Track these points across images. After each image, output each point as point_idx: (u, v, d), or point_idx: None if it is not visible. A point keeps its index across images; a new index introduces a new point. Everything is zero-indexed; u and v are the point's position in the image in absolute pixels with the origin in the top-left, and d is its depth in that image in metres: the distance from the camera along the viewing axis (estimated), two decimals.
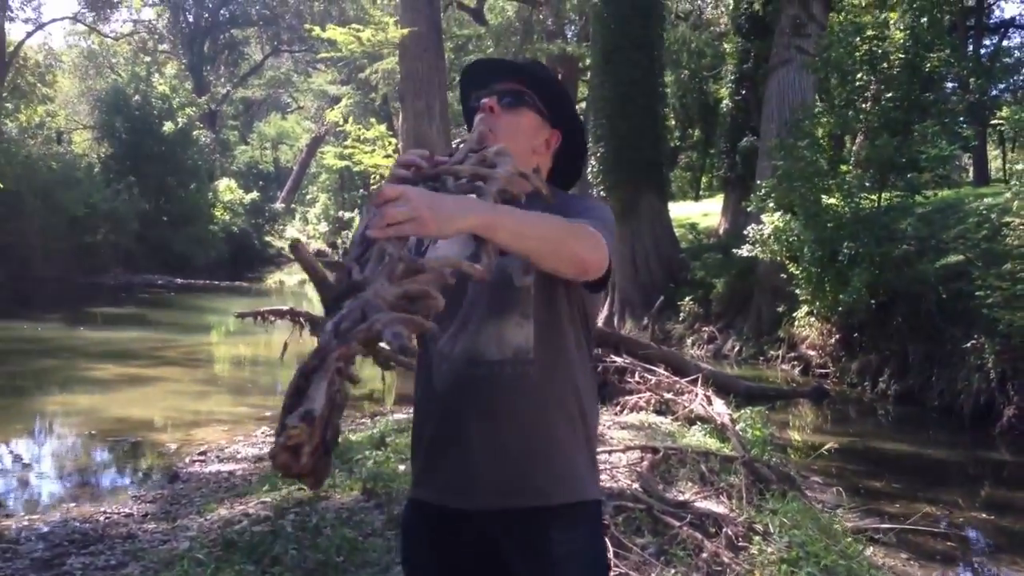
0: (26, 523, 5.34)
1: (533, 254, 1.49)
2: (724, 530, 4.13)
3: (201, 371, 12.80)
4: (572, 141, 1.94)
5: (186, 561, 3.92)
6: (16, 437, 8.13)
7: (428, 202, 1.32)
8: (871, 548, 5.24)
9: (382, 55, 34.56)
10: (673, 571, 3.75)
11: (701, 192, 33.64)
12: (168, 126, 31.97)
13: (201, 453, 7.22)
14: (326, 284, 7.01)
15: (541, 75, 1.90)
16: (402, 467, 5.53)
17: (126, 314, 19.38)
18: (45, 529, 5.21)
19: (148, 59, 36.99)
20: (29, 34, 37.69)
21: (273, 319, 9.89)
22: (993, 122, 10.50)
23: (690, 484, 5.16)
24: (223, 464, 6.80)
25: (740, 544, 4.09)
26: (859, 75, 12.42)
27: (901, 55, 12.01)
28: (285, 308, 9.81)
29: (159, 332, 15.93)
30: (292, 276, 34.89)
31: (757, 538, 4.11)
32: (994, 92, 16.99)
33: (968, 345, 9.97)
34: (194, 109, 35.13)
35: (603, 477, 4.94)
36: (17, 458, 7.47)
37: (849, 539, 4.61)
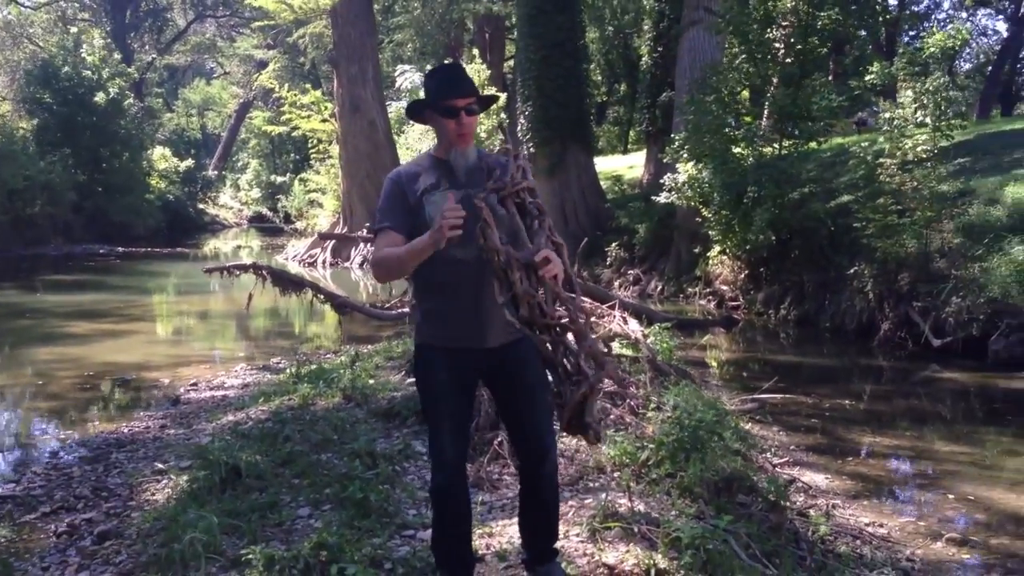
0: (62, 437, 6.42)
1: None
2: (628, 402, 5.44)
3: (166, 324, 13.89)
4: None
5: (216, 442, 5.07)
6: (22, 379, 9.10)
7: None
8: (749, 424, 6.62)
9: (310, 19, 35.04)
10: None
11: (629, 146, 34.84)
12: (100, 97, 32.07)
13: (192, 384, 8.36)
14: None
15: (483, 95, 3.20)
16: (371, 380, 6.72)
17: (78, 280, 20.03)
18: (81, 439, 6.32)
19: (73, 29, 36.76)
20: None
21: (237, 273, 10.92)
22: (867, 77, 11.84)
23: (607, 380, 6.43)
24: (214, 391, 7.94)
25: (640, 411, 5.41)
26: (757, 33, 13.73)
27: (794, 16, 13.35)
28: (248, 263, 10.84)
29: (115, 294, 16.71)
30: (227, 243, 35.53)
31: (653, 407, 5.42)
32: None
33: (851, 271, 11.48)
34: (124, 79, 35.19)
35: None
36: (29, 395, 8.46)
37: (727, 409, 5.94)
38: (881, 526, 4.76)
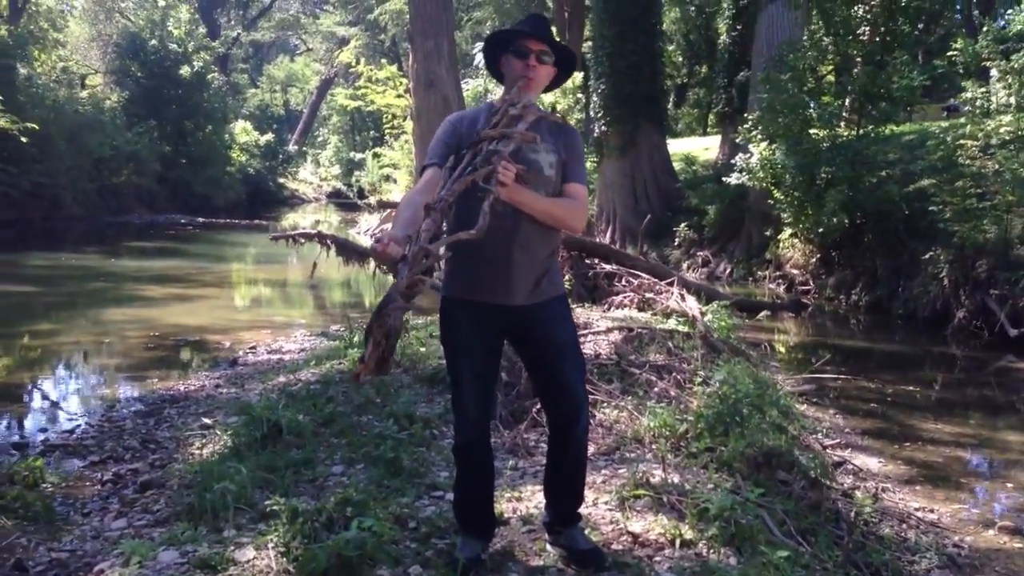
0: (121, 392, 6.60)
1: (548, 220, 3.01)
2: (673, 375, 5.34)
3: (236, 291, 14.19)
4: (564, 69, 3.25)
5: (263, 400, 5.14)
6: (90, 337, 9.38)
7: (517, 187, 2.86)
8: (805, 406, 6.46)
9: None
10: (630, 398, 4.98)
11: (709, 128, 34.16)
12: (185, 70, 32.83)
13: (252, 347, 8.52)
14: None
15: (558, 44, 3.15)
16: (422, 348, 6.73)
17: (157, 247, 20.64)
18: (139, 395, 6.48)
19: (161, 3, 37.62)
20: None
21: (302, 241, 11.01)
22: (948, 54, 11.36)
23: (658, 356, 6.33)
24: (272, 355, 8.07)
25: (686, 385, 5.31)
26: (840, 9, 13.30)
27: None
28: (313, 231, 10.95)
29: (191, 261, 17.17)
30: (306, 217, 36.04)
31: (700, 381, 5.31)
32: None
33: (927, 257, 11.09)
34: (209, 53, 35.95)
35: (588, 349, 6.13)
36: (95, 352, 8.72)
37: (779, 388, 5.79)
38: (931, 511, 4.59)
